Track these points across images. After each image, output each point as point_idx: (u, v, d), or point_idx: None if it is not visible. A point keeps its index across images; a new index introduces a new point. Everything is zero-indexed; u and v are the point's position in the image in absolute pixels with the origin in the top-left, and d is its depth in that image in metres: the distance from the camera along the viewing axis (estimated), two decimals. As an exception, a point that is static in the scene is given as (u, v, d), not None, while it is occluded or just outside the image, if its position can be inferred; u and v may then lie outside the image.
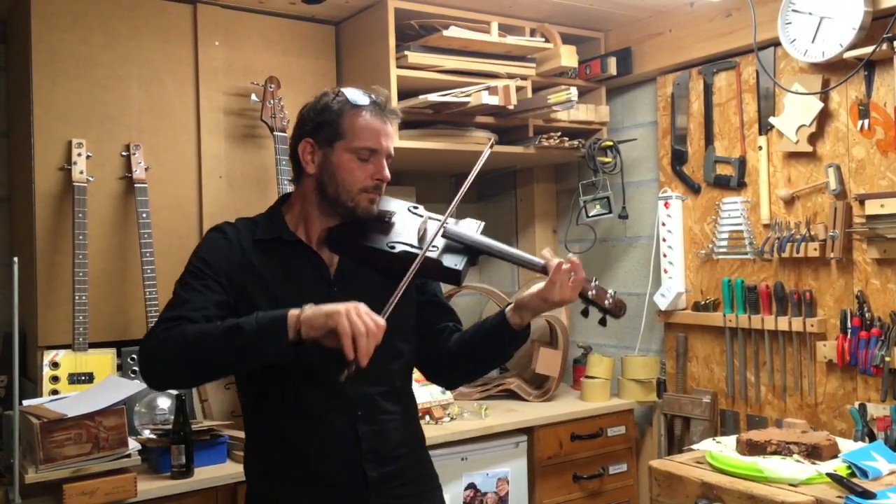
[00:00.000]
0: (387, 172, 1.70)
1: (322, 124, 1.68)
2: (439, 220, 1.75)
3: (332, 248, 1.72)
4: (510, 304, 1.73)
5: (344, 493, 1.65)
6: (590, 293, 1.69)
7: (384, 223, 1.74)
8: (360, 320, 1.45)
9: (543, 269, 1.70)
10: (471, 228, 1.79)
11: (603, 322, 1.74)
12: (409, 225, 1.76)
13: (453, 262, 1.71)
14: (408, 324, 1.78)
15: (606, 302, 1.70)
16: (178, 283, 1.66)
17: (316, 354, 1.53)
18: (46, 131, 2.45)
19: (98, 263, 2.51)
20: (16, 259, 2.10)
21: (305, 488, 1.65)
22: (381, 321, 1.49)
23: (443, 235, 1.73)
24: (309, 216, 1.72)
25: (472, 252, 1.75)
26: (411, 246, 1.70)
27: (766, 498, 1.94)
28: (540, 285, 1.67)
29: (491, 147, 1.78)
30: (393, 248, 1.70)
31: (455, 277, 1.72)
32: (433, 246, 1.69)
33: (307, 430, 1.64)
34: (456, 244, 1.74)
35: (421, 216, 1.80)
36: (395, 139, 1.77)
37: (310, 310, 1.48)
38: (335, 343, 1.45)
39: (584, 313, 1.76)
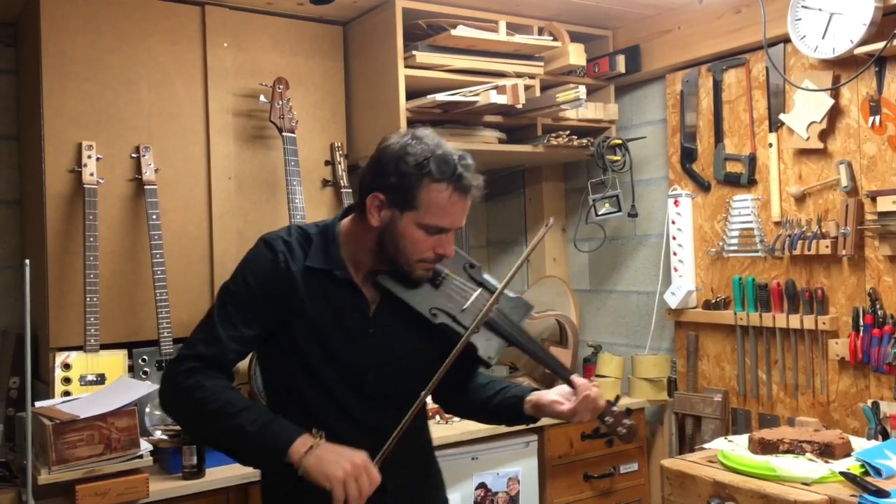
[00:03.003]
0: (451, 249, 1.66)
1: (398, 187, 1.58)
2: (490, 290, 1.72)
3: (376, 288, 1.69)
4: (530, 396, 1.75)
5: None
6: (606, 419, 1.75)
7: (432, 284, 1.70)
8: (355, 486, 1.48)
9: (570, 384, 1.74)
10: (518, 314, 1.77)
11: (609, 443, 1.81)
12: (458, 292, 1.72)
13: (488, 351, 1.70)
14: (430, 356, 1.74)
15: (620, 429, 1.75)
16: (220, 298, 1.65)
17: (336, 382, 1.64)
18: (57, 134, 2.46)
19: (109, 265, 2.52)
20: (27, 261, 2.11)
21: (322, 495, 1.63)
22: (377, 478, 1.52)
23: (486, 322, 1.70)
24: (361, 258, 1.68)
25: (511, 343, 1.74)
26: (453, 320, 1.67)
27: (779, 497, 1.93)
28: (561, 394, 1.73)
29: (548, 228, 1.71)
30: (434, 316, 1.67)
31: (485, 366, 1.75)
32: (474, 328, 1.66)
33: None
34: (497, 330, 1.72)
35: (473, 284, 1.75)
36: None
37: (312, 459, 1.50)
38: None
39: (595, 432, 1.80)
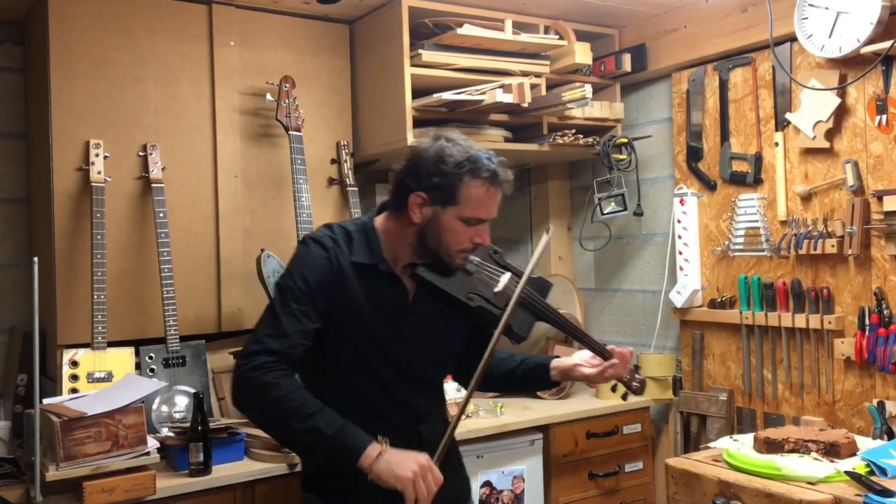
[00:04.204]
0: (487, 237, 1.82)
1: (439, 186, 1.74)
2: (516, 273, 1.91)
3: (414, 277, 1.84)
4: (554, 363, 1.99)
5: None
6: (625, 377, 1.99)
7: (466, 271, 1.87)
8: (423, 485, 1.64)
9: (602, 352, 1.97)
10: (543, 292, 1.96)
11: (624, 397, 2.09)
12: (489, 276, 1.91)
13: (521, 328, 1.87)
14: (462, 338, 1.96)
15: (634, 384, 2.01)
16: (280, 295, 1.76)
17: (382, 366, 1.80)
18: (64, 132, 2.47)
19: (116, 263, 2.53)
20: (35, 259, 2.12)
21: (371, 485, 1.72)
22: (440, 477, 1.68)
23: (519, 301, 1.82)
24: (399, 252, 1.83)
25: (540, 318, 1.93)
26: (488, 302, 1.84)
27: (784, 496, 1.93)
28: (582, 359, 1.97)
29: (549, 234, 1.95)
30: (471, 300, 1.83)
31: (518, 340, 1.88)
32: (513, 308, 1.79)
33: (375, 429, 1.74)
34: (528, 307, 1.89)
35: (500, 268, 1.93)
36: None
37: (383, 464, 1.64)
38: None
39: (613, 389, 2.09)
